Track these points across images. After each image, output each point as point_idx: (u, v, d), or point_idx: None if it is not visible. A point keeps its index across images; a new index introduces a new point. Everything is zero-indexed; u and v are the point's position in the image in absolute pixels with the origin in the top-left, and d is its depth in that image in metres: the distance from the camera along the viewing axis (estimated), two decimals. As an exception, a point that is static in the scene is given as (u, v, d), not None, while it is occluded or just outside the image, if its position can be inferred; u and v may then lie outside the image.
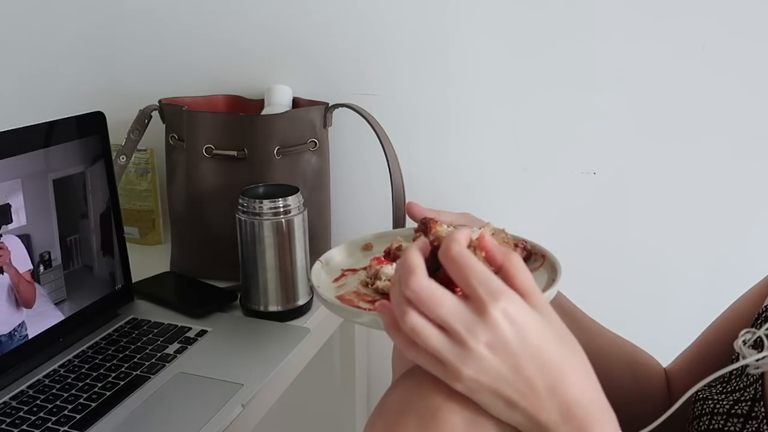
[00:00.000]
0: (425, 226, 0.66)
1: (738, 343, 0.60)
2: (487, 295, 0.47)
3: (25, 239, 0.80)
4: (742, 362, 0.58)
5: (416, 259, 0.49)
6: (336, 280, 0.69)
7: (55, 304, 0.85)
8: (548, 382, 0.47)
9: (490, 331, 0.46)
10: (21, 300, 0.80)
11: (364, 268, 0.69)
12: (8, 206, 0.78)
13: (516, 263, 0.50)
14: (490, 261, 0.52)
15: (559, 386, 0.47)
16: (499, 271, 0.51)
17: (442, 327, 0.47)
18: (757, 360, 0.58)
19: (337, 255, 0.73)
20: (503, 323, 0.46)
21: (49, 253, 0.83)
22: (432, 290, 0.47)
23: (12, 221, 0.78)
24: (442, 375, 0.48)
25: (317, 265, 0.70)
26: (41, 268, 0.82)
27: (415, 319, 0.47)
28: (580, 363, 0.50)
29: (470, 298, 0.47)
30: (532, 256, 0.69)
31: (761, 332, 0.59)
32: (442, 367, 0.48)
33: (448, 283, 0.64)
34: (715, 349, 0.72)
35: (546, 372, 0.47)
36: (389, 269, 0.65)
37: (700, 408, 0.64)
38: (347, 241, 0.75)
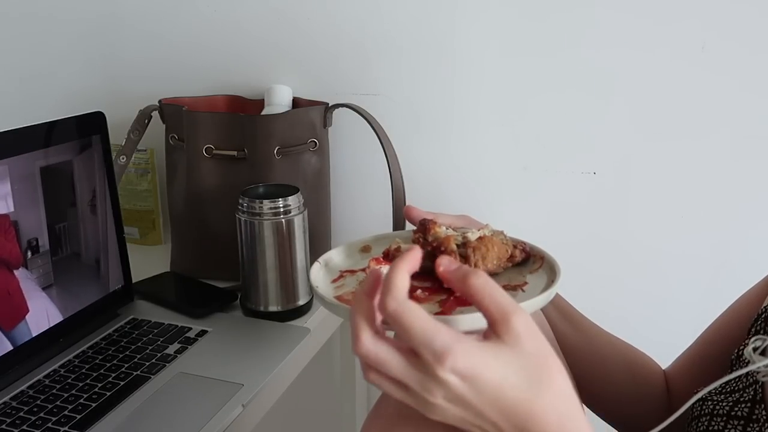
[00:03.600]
0: (424, 227, 0.66)
1: (748, 350, 0.59)
2: (431, 357, 0.44)
3: (15, 225, 0.80)
4: (750, 367, 0.58)
5: (359, 323, 0.47)
6: (334, 280, 0.69)
7: (51, 303, 0.85)
8: (516, 425, 0.46)
9: (443, 389, 0.45)
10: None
11: (363, 270, 0.69)
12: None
13: (479, 287, 0.47)
14: (453, 288, 0.49)
15: (528, 426, 0.46)
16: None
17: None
18: (766, 366, 0.57)
19: (335, 256, 0.73)
20: (455, 381, 0.45)
21: (37, 242, 0.83)
22: (377, 354, 0.46)
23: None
24: None
25: (316, 265, 0.70)
26: (29, 253, 0.81)
27: (372, 377, 0.47)
28: (552, 396, 0.47)
29: (418, 356, 0.45)
30: (531, 257, 0.69)
31: None
32: None
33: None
34: (714, 350, 0.72)
35: (511, 417, 0.46)
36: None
37: (699, 408, 0.64)
38: (346, 242, 0.75)
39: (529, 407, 0.46)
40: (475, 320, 0.57)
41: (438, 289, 0.65)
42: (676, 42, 0.98)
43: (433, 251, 0.66)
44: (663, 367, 0.80)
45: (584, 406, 0.77)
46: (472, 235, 0.65)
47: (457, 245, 0.64)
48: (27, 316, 0.81)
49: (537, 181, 1.08)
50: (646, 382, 0.77)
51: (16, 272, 0.80)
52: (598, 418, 0.80)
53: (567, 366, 0.73)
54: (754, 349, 0.59)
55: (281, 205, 0.90)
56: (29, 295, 0.82)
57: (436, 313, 0.60)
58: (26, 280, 0.81)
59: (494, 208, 1.10)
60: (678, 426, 0.65)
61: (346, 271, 0.71)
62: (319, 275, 0.69)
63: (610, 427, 0.81)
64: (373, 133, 1.01)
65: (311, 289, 0.86)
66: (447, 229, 0.68)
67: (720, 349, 0.69)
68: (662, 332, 0.98)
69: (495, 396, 0.45)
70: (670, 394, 0.77)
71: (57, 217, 0.86)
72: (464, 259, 0.64)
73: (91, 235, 0.91)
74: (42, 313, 0.84)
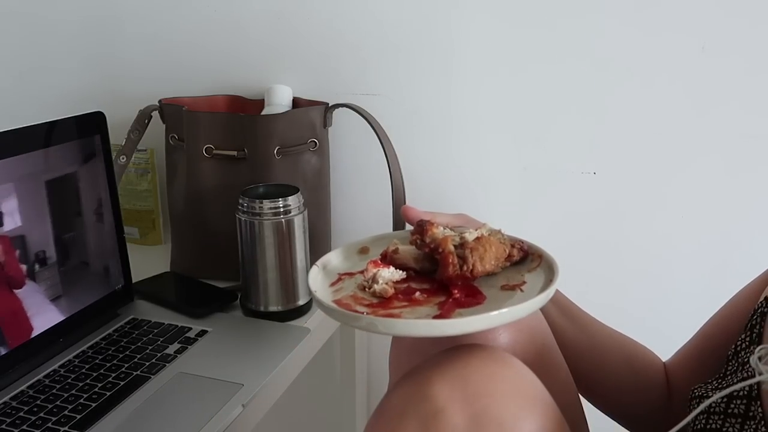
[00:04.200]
0: (421, 229, 0.66)
1: (754, 359, 0.59)
2: None
3: (20, 240, 0.80)
4: (758, 378, 0.58)
5: None
6: (333, 284, 0.69)
7: (52, 301, 0.85)
8: None
9: None
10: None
11: (361, 272, 0.69)
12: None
13: None
14: None
15: None
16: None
17: None
18: None
19: (333, 258, 0.73)
20: None
21: (44, 252, 0.83)
22: None
23: (2, 225, 0.78)
24: None
25: (314, 269, 0.70)
26: (36, 266, 0.82)
27: None
28: None
29: None
30: (529, 256, 0.69)
31: None
32: None
33: (448, 283, 0.64)
34: (713, 344, 0.73)
35: None
36: (386, 272, 0.65)
37: (696, 405, 0.64)
38: (344, 244, 0.76)
39: None
40: (473, 323, 0.57)
41: (436, 291, 0.65)
42: (675, 43, 0.98)
43: (431, 253, 0.66)
44: (664, 360, 0.80)
45: (584, 398, 0.77)
46: (470, 236, 0.65)
47: (455, 246, 0.64)
48: (32, 335, 0.81)
49: (537, 181, 1.08)
50: (646, 375, 0.78)
51: (19, 292, 0.80)
52: (599, 412, 0.80)
53: (565, 361, 0.73)
54: (760, 359, 0.59)
55: (281, 205, 0.90)
56: (37, 309, 0.82)
57: (435, 316, 0.60)
58: (35, 294, 0.82)
59: (494, 208, 1.10)
60: (678, 422, 0.65)
61: (345, 274, 0.71)
62: (317, 279, 0.69)
63: (614, 423, 0.81)
64: (373, 133, 1.01)
65: (310, 293, 0.86)
66: (444, 229, 0.68)
67: (719, 343, 0.70)
68: (663, 325, 0.98)
69: None
70: (670, 387, 0.77)
71: (63, 228, 0.86)
72: (462, 260, 0.64)
73: (97, 242, 0.91)
74: (50, 327, 0.84)
